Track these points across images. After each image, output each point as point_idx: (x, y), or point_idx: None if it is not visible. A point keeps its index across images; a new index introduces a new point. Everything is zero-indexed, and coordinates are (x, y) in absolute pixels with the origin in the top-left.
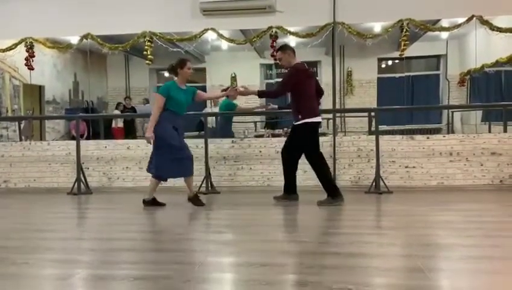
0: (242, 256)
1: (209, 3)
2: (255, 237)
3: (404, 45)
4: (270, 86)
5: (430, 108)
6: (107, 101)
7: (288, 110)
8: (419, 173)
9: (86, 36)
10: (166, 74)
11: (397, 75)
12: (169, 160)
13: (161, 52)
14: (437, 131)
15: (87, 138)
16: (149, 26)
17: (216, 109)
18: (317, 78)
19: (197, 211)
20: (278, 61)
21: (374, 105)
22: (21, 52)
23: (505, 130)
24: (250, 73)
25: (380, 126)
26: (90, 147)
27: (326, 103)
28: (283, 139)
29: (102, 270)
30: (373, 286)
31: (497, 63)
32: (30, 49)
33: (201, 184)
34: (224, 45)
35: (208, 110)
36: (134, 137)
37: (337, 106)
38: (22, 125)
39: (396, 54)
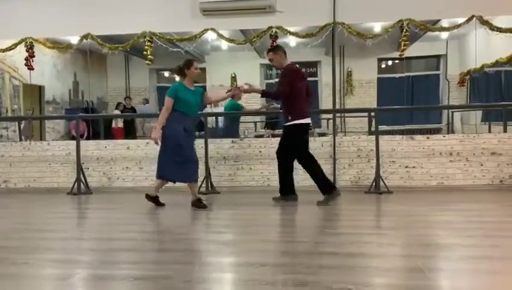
0: (242, 256)
1: (209, 3)
2: (254, 237)
3: (404, 45)
4: (270, 86)
5: (430, 108)
6: (107, 101)
7: None
8: (419, 173)
9: (86, 36)
10: (166, 74)
11: (397, 75)
12: (173, 161)
13: (161, 52)
14: (437, 131)
15: (87, 138)
16: (149, 26)
17: (216, 109)
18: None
19: (197, 211)
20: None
21: (374, 105)
22: (21, 52)
23: (505, 130)
24: (250, 73)
25: (380, 126)
26: (90, 147)
27: (326, 103)
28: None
29: (102, 270)
30: (373, 286)
31: (497, 63)
32: (30, 49)
33: (201, 184)
34: (224, 45)
35: (207, 110)
36: (134, 137)
37: (337, 106)
38: (21, 126)
39: (396, 54)
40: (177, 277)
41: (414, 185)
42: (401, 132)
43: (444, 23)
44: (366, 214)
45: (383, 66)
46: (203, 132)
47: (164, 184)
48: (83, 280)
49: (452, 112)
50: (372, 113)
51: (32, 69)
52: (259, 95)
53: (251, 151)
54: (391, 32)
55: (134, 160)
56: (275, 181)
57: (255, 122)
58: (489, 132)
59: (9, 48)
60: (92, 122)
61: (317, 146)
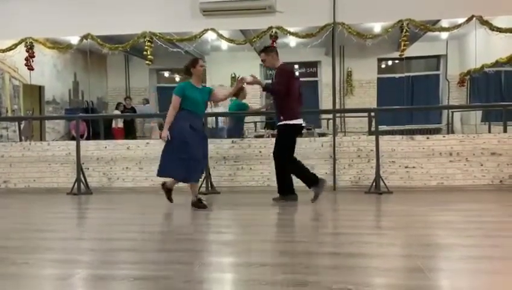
0: (242, 256)
1: (209, 4)
2: (254, 237)
3: (404, 45)
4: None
5: (430, 108)
6: (107, 101)
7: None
8: (419, 173)
9: (86, 36)
10: (166, 74)
11: (397, 75)
12: (177, 159)
13: (161, 53)
14: (437, 131)
15: (87, 138)
16: (149, 26)
17: (216, 110)
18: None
19: (197, 211)
20: (262, 62)
21: (374, 105)
22: (21, 52)
23: (505, 130)
24: (250, 73)
25: (380, 126)
26: (90, 147)
27: (326, 103)
28: None
29: (102, 271)
30: (373, 286)
31: (497, 63)
32: (30, 49)
33: (201, 184)
34: (224, 45)
35: (207, 110)
36: (134, 137)
37: (337, 106)
38: (21, 126)
39: (396, 54)
40: (177, 277)
41: (414, 185)
42: (401, 132)
43: (444, 23)
44: (366, 214)
45: (383, 66)
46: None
47: (175, 182)
48: (82, 280)
49: (452, 112)
50: (372, 114)
51: (32, 69)
52: (261, 89)
53: (251, 152)
54: (391, 33)
55: (134, 160)
56: (275, 181)
57: (255, 123)
58: (489, 132)
59: (10, 48)
60: (92, 123)
61: (317, 146)
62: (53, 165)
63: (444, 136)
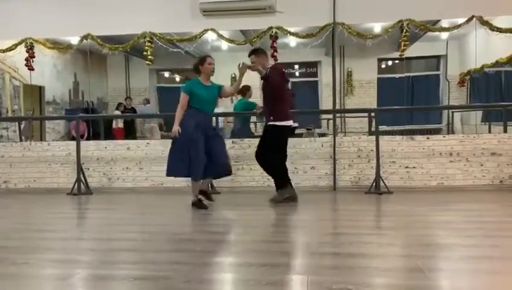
0: (242, 256)
1: (209, 4)
2: (255, 237)
3: (404, 45)
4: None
5: (430, 108)
6: (107, 102)
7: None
8: (419, 173)
9: (86, 37)
10: (166, 74)
11: (397, 75)
12: (182, 158)
13: (161, 53)
14: (437, 131)
15: (87, 139)
16: (149, 26)
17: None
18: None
19: (197, 211)
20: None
21: (374, 105)
22: (21, 52)
23: (505, 131)
24: (250, 73)
25: (380, 126)
26: (90, 148)
27: (326, 103)
28: None
29: (102, 271)
30: (373, 286)
31: (497, 64)
32: (30, 49)
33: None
34: (224, 45)
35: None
36: (134, 137)
37: (337, 106)
38: (22, 126)
39: (396, 55)
40: (177, 277)
41: (414, 186)
42: (401, 132)
43: (444, 23)
44: (366, 214)
45: (383, 66)
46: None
47: (199, 185)
48: (82, 280)
49: (452, 112)
50: (372, 114)
51: (33, 69)
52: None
53: (251, 152)
54: (391, 33)
55: (134, 160)
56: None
57: (255, 123)
58: (490, 132)
59: (10, 49)
60: (92, 123)
61: (317, 146)
62: (53, 165)
63: (444, 137)
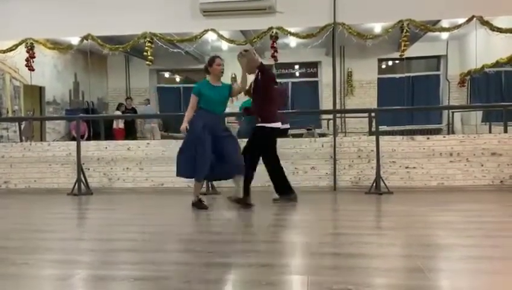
0: (242, 256)
1: (209, 4)
2: (254, 237)
3: (405, 45)
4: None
5: (431, 108)
6: (107, 102)
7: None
8: (420, 173)
9: (86, 37)
10: (167, 75)
11: (397, 75)
12: (188, 157)
13: (161, 53)
14: (437, 131)
15: (88, 139)
16: (149, 27)
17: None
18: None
19: (197, 211)
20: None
21: (374, 105)
22: (21, 53)
23: (505, 131)
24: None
25: (380, 127)
26: (91, 148)
27: (326, 103)
28: (282, 140)
29: (103, 271)
30: (373, 286)
31: (497, 64)
32: (30, 50)
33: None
34: (225, 45)
35: None
36: (134, 138)
37: (338, 107)
38: (22, 126)
39: (396, 55)
40: (177, 277)
41: (414, 186)
42: (402, 133)
43: (444, 23)
44: (366, 214)
45: (383, 66)
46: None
47: (201, 186)
48: (83, 280)
49: (452, 113)
50: (373, 114)
51: (33, 69)
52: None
53: None
54: (391, 33)
55: (134, 161)
56: None
57: None
58: (490, 132)
59: (10, 49)
60: (92, 123)
61: (317, 147)
62: (53, 165)
63: (444, 137)
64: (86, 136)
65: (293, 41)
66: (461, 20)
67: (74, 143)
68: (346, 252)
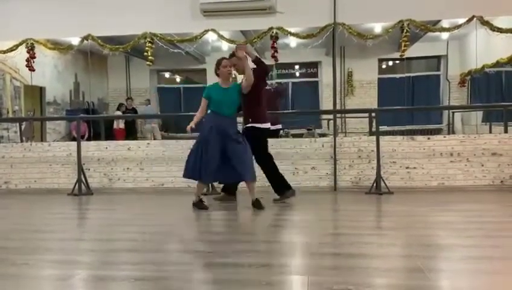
0: (242, 256)
1: (209, 4)
2: (255, 237)
3: (405, 45)
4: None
5: (431, 109)
6: (107, 102)
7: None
8: (420, 173)
9: (86, 37)
10: (167, 75)
11: (398, 75)
12: (195, 159)
13: (162, 53)
14: (438, 131)
15: (88, 139)
16: (150, 27)
17: None
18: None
19: (198, 211)
20: (232, 69)
21: (375, 106)
22: (22, 53)
23: (506, 131)
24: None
25: (380, 127)
26: (91, 148)
27: (326, 103)
28: (283, 140)
29: (103, 271)
30: (373, 286)
31: (497, 64)
32: (31, 50)
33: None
34: (225, 46)
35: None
36: (135, 138)
37: (338, 107)
38: (22, 127)
39: (396, 55)
40: (177, 277)
41: (415, 186)
42: (402, 133)
43: (445, 23)
44: (366, 214)
45: (384, 66)
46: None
47: (204, 187)
48: (83, 280)
49: (453, 113)
50: (373, 114)
51: (33, 70)
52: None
53: None
54: (392, 33)
55: (135, 161)
56: None
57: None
58: (490, 132)
59: (10, 49)
60: (92, 123)
61: (317, 147)
62: (54, 166)
63: (444, 137)
64: (86, 136)
65: (293, 42)
66: (461, 20)
67: (74, 143)
68: (346, 252)
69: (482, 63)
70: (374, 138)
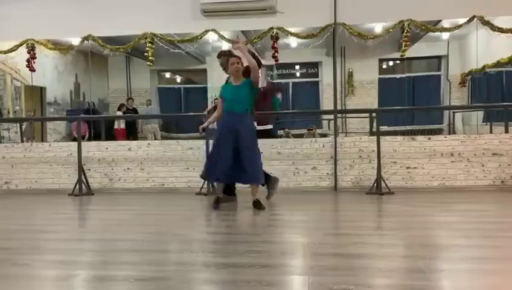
0: (243, 257)
1: (209, 5)
2: (255, 238)
3: (405, 45)
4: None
5: (431, 109)
6: (108, 103)
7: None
8: (421, 173)
9: (87, 37)
10: (168, 75)
11: (398, 75)
12: (209, 159)
13: (162, 54)
14: (438, 132)
15: (89, 139)
16: (150, 27)
17: None
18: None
19: (198, 211)
20: (222, 66)
21: (375, 106)
22: (22, 53)
23: (506, 131)
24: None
25: (381, 127)
26: (92, 148)
27: (327, 103)
28: (283, 140)
29: (103, 271)
30: (374, 286)
31: (498, 64)
32: (31, 50)
33: (202, 185)
34: (225, 46)
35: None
36: (136, 138)
37: (338, 107)
38: (23, 127)
39: (397, 55)
40: (177, 277)
41: (415, 186)
42: (403, 133)
43: (445, 23)
44: (367, 215)
45: (384, 66)
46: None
47: (221, 185)
48: (83, 281)
49: (453, 113)
50: (374, 114)
51: (34, 70)
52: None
53: None
54: (392, 33)
55: (135, 161)
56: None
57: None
58: (491, 132)
59: (11, 50)
60: (93, 124)
61: (318, 147)
62: (54, 166)
63: (445, 137)
64: (86, 136)
65: (293, 42)
66: (462, 20)
67: (75, 144)
68: (347, 253)
69: (483, 63)
70: (374, 138)
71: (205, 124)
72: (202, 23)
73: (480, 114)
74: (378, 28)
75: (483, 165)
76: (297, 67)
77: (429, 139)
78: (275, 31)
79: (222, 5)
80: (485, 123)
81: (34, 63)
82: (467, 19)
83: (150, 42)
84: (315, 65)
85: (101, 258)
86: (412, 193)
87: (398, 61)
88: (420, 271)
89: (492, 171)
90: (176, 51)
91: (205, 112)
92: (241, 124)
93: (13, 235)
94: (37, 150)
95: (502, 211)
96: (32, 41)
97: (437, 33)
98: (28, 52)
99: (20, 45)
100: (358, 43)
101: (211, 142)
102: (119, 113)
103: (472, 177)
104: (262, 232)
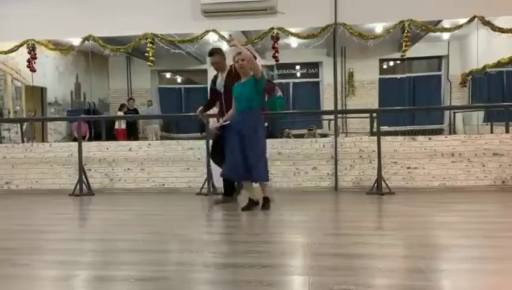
0: (243, 257)
1: (210, 5)
2: (256, 238)
3: (406, 45)
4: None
5: (432, 109)
6: (108, 103)
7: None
8: (421, 173)
9: (87, 38)
10: (168, 75)
11: (399, 76)
12: (225, 157)
13: (162, 54)
14: (439, 132)
15: (89, 140)
16: (150, 27)
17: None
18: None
19: (198, 212)
20: (213, 64)
21: (376, 106)
22: (23, 54)
23: (507, 131)
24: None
25: (381, 127)
26: (92, 149)
27: (327, 103)
28: (283, 140)
29: (103, 271)
30: (374, 286)
31: (498, 64)
32: (32, 51)
33: (202, 185)
34: (226, 46)
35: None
36: (136, 138)
37: (339, 107)
38: (24, 127)
39: (397, 55)
40: (177, 278)
41: (416, 186)
42: (403, 133)
43: (446, 23)
44: (367, 215)
45: (385, 66)
46: (204, 133)
47: (246, 184)
48: (84, 281)
49: (454, 113)
50: (374, 114)
51: (34, 70)
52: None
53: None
54: (392, 33)
55: (136, 161)
56: (275, 182)
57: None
58: (491, 132)
59: (12, 50)
60: (93, 124)
61: (318, 147)
62: (55, 166)
63: (445, 137)
64: (87, 137)
65: (294, 42)
66: (462, 21)
67: (76, 144)
68: (347, 253)
69: (483, 63)
70: (375, 138)
71: (219, 124)
72: (202, 23)
73: (481, 114)
74: (378, 28)
75: (483, 165)
76: (297, 67)
77: (430, 139)
78: (275, 31)
79: (222, 6)
80: (485, 123)
81: (34, 63)
82: (468, 19)
83: (150, 42)
84: (315, 65)
85: (101, 258)
86: (412, 193)
87: (398, 62)
88: (420, 271)
89: (493, 171)
90: (177, 51)
91: (197, 112)
92: (243, 124)
93: (13, 236)
94: (38, 150)
95: (503, 211)
96: (32, 42)
97: (437, 33)
98: (29, 53)
99: (21, 45)
100: (359, 43)
101: (210, 142)
102: (120, 113)
103: (473, 177)
104: (263, 232)
